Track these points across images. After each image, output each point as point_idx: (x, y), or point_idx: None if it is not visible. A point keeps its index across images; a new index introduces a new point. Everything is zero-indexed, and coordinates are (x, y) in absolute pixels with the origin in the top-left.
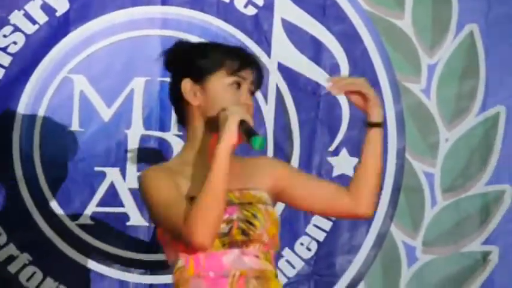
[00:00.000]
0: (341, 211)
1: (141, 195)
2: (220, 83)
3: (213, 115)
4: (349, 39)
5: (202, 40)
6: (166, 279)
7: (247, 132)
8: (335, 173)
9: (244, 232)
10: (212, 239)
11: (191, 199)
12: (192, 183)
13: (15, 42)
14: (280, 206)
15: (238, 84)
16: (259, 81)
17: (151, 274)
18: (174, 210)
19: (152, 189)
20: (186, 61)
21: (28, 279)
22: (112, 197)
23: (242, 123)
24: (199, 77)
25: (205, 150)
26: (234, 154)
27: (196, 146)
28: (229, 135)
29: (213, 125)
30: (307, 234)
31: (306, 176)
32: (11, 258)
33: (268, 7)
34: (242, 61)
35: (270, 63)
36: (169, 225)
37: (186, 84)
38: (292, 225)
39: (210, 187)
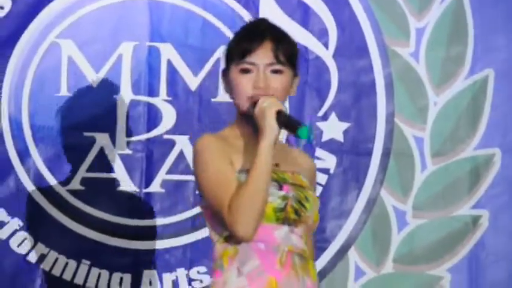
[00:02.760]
0: None
1: (193, 163)
2: (234, 71)
3: (238, 103)
4: (337, 3)
5: (187, 6)
6: (154, 244)
7: (288, 123)
8: (324, 138)
9: (296, 212)
10: (254, 231)
11: (247, 172)
12: (245, 157)
13: (1, 7)
14: None
15: (247, 71)
16: (284, 52)
17: (140, 239)
18: (222, 189)
19: (204, 160)
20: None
21: (19, 245)
22: (102, 162)
23: (279, 114)
24: (226, 68)
25: (253, 125)
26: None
27: (244, 121)
28: (270, 131)
29: (248, 117)
30: None
31: None
32: (1, 224)
33: None
34: (247, 45)
35: None
36: (214, 203)
37: (223, 74)
38: None
39: (253, 182)
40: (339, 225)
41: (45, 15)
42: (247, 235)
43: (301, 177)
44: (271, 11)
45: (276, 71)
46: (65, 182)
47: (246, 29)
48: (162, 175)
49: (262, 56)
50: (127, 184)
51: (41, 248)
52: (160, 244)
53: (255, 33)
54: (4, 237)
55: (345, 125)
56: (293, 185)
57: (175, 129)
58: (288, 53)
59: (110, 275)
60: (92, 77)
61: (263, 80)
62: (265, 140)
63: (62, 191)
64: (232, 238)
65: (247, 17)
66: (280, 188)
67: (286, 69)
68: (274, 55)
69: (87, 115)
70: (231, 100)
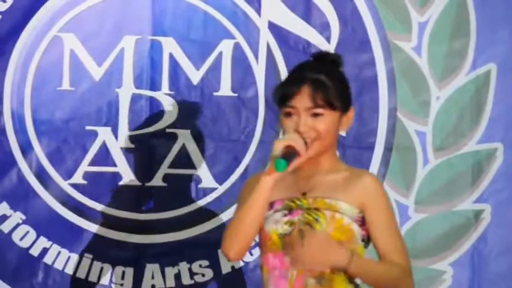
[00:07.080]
0: None
1: None
2: (281, 114)
3: None
4: None
5: (189, 0)
6: (156, 238)
7: (283, 156)
8: None
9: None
10: (237, 254)
11: (270, 204)
12: (274, 191)
13: (4, 1)
14: None
15: (289, 114)
16: (323, 96)
17: (142, 233)
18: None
19: (241, 193)
20: None
21: (22, 238)
22: (104, 156)
23: (287, 148)
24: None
25: None
26: (338, 162)
27: None
28: (271, 166)
29: None
30: None
31: (381, 224)
32: (3, 218)
33: None
34: (286, 90)
35: (260, 22)
36: None
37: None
38: None
39: (247, 209)
40: None
41: (47, 9)
42: (228, 254)
43: (326, 200)
44: (273, 5)
45: (316, 114)
46: (67, 176)
47: (290, 74)
48: (164, 169)
49: (301, 101)
50: (129, 178)
51: (44, 241)
52: (162, 238)
53: (295, 79)
54: (7, 230)
55: None
56: (306, 209)
57: (177, 123)
58: (328, 96)
59: (113, 268)
60: (94, 71)
61: (303, 125)
62: (267, 172)
63: (64, 184)
64: (262, 267)
65: (249, 10)
66: (289, 214)
67: (328, 111)
68: (312, 100)
69: (89, 109)
70: (234, 94)
